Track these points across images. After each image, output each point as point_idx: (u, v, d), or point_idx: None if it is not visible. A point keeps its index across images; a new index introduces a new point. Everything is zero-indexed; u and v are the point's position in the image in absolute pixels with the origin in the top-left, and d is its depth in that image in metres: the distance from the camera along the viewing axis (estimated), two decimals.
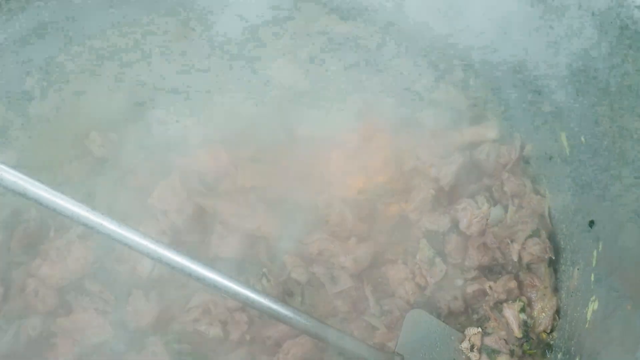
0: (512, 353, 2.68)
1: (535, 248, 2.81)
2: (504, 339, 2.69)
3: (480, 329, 2.70)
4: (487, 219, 2.86)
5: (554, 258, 2.82)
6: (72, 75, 3.08)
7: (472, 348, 2.69)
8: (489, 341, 2.70)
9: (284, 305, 2.34)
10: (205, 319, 2.69)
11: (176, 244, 2.77)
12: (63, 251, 2.70)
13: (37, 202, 2.10)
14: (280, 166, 2.95)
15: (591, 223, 2.61)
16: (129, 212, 2.83)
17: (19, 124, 3.05)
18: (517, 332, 2.71)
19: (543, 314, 2.76)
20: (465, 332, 2.71)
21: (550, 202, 2.90)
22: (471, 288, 2.79)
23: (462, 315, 2.80)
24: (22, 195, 2.08)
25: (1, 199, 2.89)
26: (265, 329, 2.69)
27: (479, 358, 2.69)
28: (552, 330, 2.77)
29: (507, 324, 2.72)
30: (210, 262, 2.47)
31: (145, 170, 2.91)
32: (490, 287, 2.76)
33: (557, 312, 2.78)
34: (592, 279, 2.57)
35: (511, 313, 2.72)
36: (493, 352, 2.69)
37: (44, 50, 3.06)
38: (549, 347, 2.75)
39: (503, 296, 2.74)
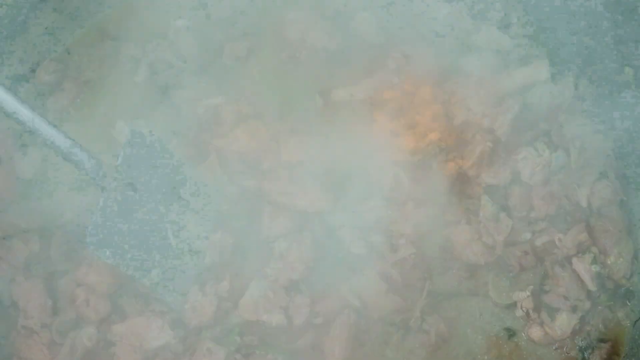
0: (574, 309, 2.55)
1: (605, 191, 2.67)
2: (564, 296, 2.55)
3: (528, 293, 2.57)
4: (550, 166, 2.68)
5: (625, 199, 2.64)
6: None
7: (527, 313, 2.57)
8: (548, 299, 2.58)
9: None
10: (266, 306, 2.53)
11: (223, 231, 2.63)
12: None
13: None
14: (321, 135, 2.76)
15: None
16: None
17: None
18: (592, 285, 2.57)
19: (620, 259, 2.63)
20: (514, 298, 2.57)
21: (614, 139, 2.70)
22: (540, 240, 2.66)
23: (534, 270, 2.63)
24: None
25: (33, 204, 2.71)
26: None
27: (539, 316, 2.56)
28: (631, 276, 2.63)
29: (578, 278, 2.58)
30: None
31: (180, 156, 2.71)
32: (559, 240, 2.60)
33: (635, 256, 2.64)
34: None
35: (582, 267, 2.58)
36: (553, 310, 2.56)
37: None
38: (629, 293, 2.62)
39: (573, 251, 2.60)
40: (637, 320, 2.58)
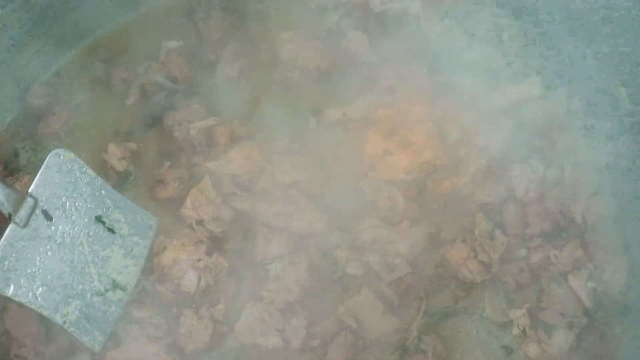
0: (570, 326, 2.54)
1: (600, 207, 2.67)
2: (560, 313, 2.54)
3: (524, 311, 2.56)
4: (544, 183, 2.69)
5: (620, 214, 2.64)
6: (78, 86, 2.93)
7: (523, 331, 2.56)
8: (544, 316, 2.58)
9: None
10: (261, 329, 2.51)
11: (218, 254, 2.62)
12: None
13: None
14: (314, 155, 2.75)
15: None
16: (162, 226, 2.66)
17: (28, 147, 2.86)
18: (588, 302, 2.57)
19: (616, 275, 2.63)
20: (511, 316, 2.57)
21: (608, 155, 2.70)
22: (536, 257, 2.66)
23: (530, 288, 2.62)
24: None
25: None
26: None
27: (536, 334, 2.55)
28: (627, 291, 2.63)
29: (574, 294, 2.58)
30: None
31: (173, 178, 2.69)
32: (555, 256, 2.60)
33: (631, 271, 2.63)
34: None
35: (578, 283, 2.58)
36: (549, 327, 2.57)
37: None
38: (626, 309, 2.62)
39: (568, 267, 2.60)
40: (633, 337, 2.57)
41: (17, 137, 2.90)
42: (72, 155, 2.42)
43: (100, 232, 2.42)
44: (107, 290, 2.42)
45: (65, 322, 2.33)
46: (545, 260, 2.64)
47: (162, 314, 2.55)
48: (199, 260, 2.59)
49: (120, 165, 2.77)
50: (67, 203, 2.37)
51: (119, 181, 2.78)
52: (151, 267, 2.60)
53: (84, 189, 2.42)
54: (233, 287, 2.62)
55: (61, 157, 2.40)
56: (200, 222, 2.67)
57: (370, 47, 2.91)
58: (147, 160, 2.82)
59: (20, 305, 2.44)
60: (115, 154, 2.77)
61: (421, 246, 2.66)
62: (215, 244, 2.67)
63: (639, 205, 2.65)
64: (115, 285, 2.45)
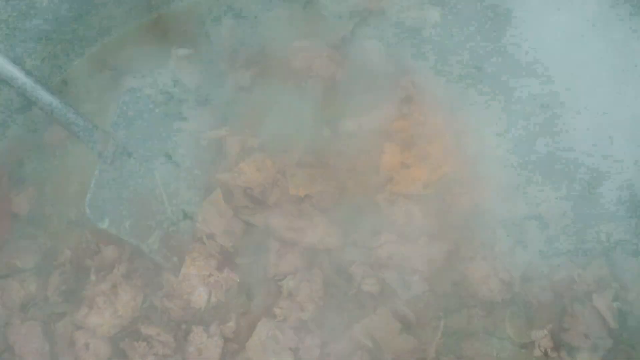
0: (595, 348, 2.45)
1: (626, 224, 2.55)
2: (584, 334, 2.46)
3: (546, 331, 2.47)
4: (567, 197, 2.60)
5: None
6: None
7: (545, 353, 2.46)
8: (567, 337, 2.48)
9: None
10: (274, 348, 2.43)
11: (229, 269, 2.55)
12: (110, 295, 2.45)
13: None
14: (328, 167, 2.68)
15: None
16: None
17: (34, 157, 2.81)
18: (613, 323, 2.48)
19: None
20: (533, 337, 2.48)
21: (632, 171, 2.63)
22: (559, 275, 2.57)
23: (552, 307, 2.53)
24: None
25: (29, 242, 2.61)
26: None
27: (559, 355, 2.46)
28: None
29: (598, 315, 2.49)
30: None
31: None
32: (579, 275, 2.53)
33: None
34: None
35: (603, 303, 2.49)
36: (573, 349, 2.47)
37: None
38: None
39: (593, 287, 2.52)
40: None
41: (22, 146, 2.84)
42: (143, 93, 2.56)
43: (170, 167, 2.56)
44: (179, 221, 2.55)
45: (150, 252, 2.45)
46: (569, 279, 2.55)
47: (170, 331, 2.48)
48: (210, 275, 2.52)
49: None
50: (141, 141, 2.49)
51: None
52: (160, 282, 2.52)
53: (154, 127, 2.55)
54: (244, 304, 2.56)
55: (135, 95, 2.52)
56: (210, 236, 2.60)
57: (386, 57, 2.84)
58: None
59: (25, 319, 2.39)
60: None
61: (439, 263, 2.58)
62: (226, 258, 2.59)
63: None
64: (185, 216, 2.57)
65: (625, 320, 2.51)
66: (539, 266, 2.59)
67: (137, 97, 2.52)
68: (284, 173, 2.67)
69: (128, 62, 2.91)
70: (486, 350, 2.51)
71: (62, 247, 2.61)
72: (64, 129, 2.33)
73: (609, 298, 2.50)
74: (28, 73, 2.20)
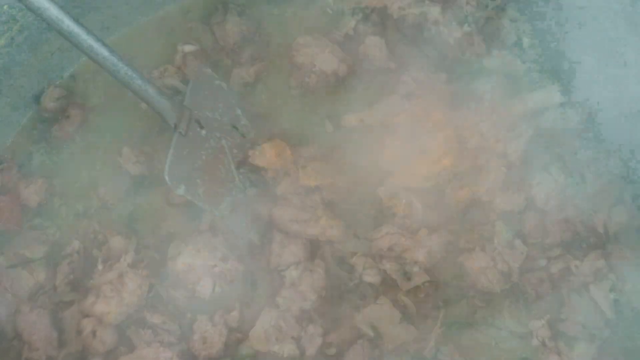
0: (592, 338, 2.50)
1: (622, 216, 2.63)
2: (581, 324, 2.51)
3: (544, 322, 2.53)
4: (565, 191, 2.64)
5: None
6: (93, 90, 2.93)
7: (543, 342, 2.52)
8: (565, 327, 2.53)
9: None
10: (277, 336, 2.48)
11: (233, 260, 2.59)
12: (116, 284, 2.49)
13: None
14: (332, 161, 2.72)
15: None
16: (176, 232, 2.66)
17: (43, 150, 2.86)
18: (610, 313, 2.53)
19: (639, 286, 2.55)
20: (530, 327, 2.53)
21: (630, 163, 2.67)
22: (556, 267, 2.61)
23: (550, 298, 2.58)
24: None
25: (38, 233, 2.65)
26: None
27: (556, 345, 2.51)
28: None
29: (595, 305, 2.54)
30: None
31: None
32: (576, 267, 2.55)
33: None
34: None
35: (600, 294, 2.54)
36: (570, 339, 2.51)
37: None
38: None
39: (590, 278, 2.55)
40: None
41: (31, 140, 2.89)
42: (212, 73, 2.71)
43: (236, 137, 2.68)
44: (246, 188, 2.68)
45: (222, 217, 2.60)
46: (566, 271, 2.59)
47: (175, 320, 2.54)
48: (214, 266, 2.56)
49: (134, 169, 2.76)
50: (211, 113, 2.62)
51: (133, 184, 2.76)
52: (165, 272, 2.57)
53: (222, 101, 2.68)
54: (248, 294, 2.60)
55: (205, 74, 2.67)
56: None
57: (388, 53, 2.87)
58: (162, 163, 2.76)
59: (34, 308, 2.44)
60: (129, 158, 2.76)
61: (439, 255, 2.62)
62: (232, 249, 2.63)
63: None
64: (251, 183, 2.69)
65: (622, 311, 2.54)
66: (537, 258, 2.63)
67: (207, 76, 2.66)
68: (296, 164, 2.71)
69: (135, 58, 2.94)
70: (485, 340, 2.57)
71: (70, 238, 2.66)
72: (145, 103, 2.44)
73: (606, 289, 2.54)
74: (120, 58, 2.30)
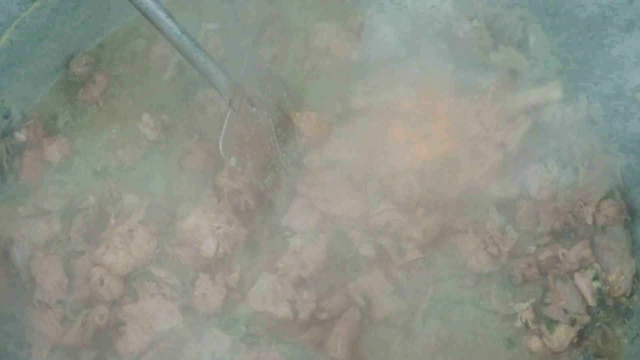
0: (572, 322, 2.58)
1: (611, 209, 2.71)
2: (563, 309, 2.59)
3: (529, 305, 2.63)
4: (558, 183, 2.74)
5: (630, 219, 2.69)
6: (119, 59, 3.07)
7: (526, 324, 2.62)
8: (548, 311, 2.62)
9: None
10: (273, 299, 2.59)
11: (238, 223, 2.71)
12: (126, 238, 2.62)
13: None
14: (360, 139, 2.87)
15: None
16: (187, 194, 2.78)
17: (67, 112, 2.99)
18: (592, 301, 2.61)
19: (622, 277, 2.66)
20: (515, 309, 2.63)
21: (622, 162, 2.77)
22: (544, 254, 2.70)
23: (536, 283, 2.69)
24: None
25: (57, 188, 2.81)
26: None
27: (538, 328, 2.61)
28: (631, 294, 2.67)
29: (578, 293, 2.62)
30: None
31: (202, 151, 2.81)
32: (563, 255, 2.65)
33: (637, 275, 2.68)
34: None
35: (584, 282, 2.62)
36: (552, 323, 2.60)
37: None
38: (628, 312, 2.66)
39: (575, 266, 2.65)
40: (634, 338, 2.61)
41: (58, 101, 3.05)
42: (261, 60, 2.87)
43: (281, 117, 2.81)
44: (288, 165, 2.82)
45: (266, 190, 2.72)
46: (554, 258, 2.69)
47: (179, 276, 2.64)
48: (219, 227, 2.67)
49: (152, 135, 2.90)
50: (261, 93, 2.75)
51: (150, 149, 2.91)
52: (173, 230, 2.70)
53: (270, 83, 2.81)
54: (249, 259, 2.71)
55: (257, 56, 2.84)
56: (236, 191, 2.76)
57: (399, 42, 2.99)
58: (178, 132, 2.94)
59: (48, 254, 2.59)
60: (148, 124, 2.90)
61: (433, 234, 2.72)
62: (246, 215, 2.76)
63: None
64: (293, 162, 2.82)
65: (603, 300, 2.64)
66: (526, 244, 2.73)
67: (257, 59, 2.81)
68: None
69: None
70: (471, 318, 2.67)
71: (87, 194, 2.79)
72: (205, 77, 2.56)
73: (589, 277, 2.63)
74: (183, 31, 2.45)
